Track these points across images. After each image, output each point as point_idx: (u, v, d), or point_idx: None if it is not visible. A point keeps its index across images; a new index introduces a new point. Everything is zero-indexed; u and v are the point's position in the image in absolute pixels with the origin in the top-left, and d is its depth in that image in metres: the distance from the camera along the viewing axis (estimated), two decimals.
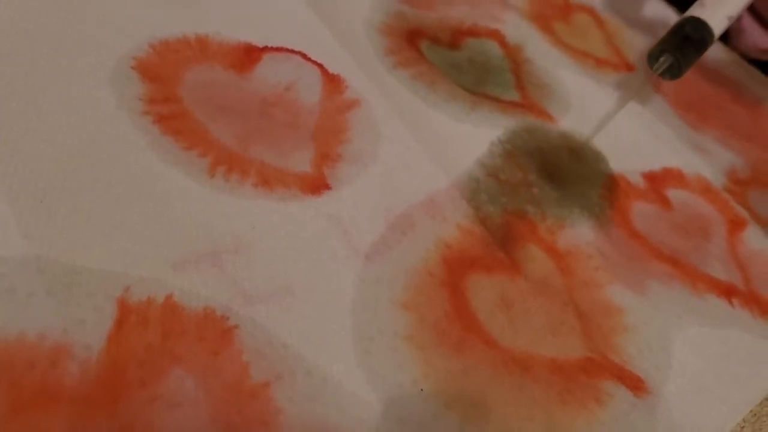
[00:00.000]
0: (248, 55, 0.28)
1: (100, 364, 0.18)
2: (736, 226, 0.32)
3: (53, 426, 0.16)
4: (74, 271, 0.19)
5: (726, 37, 0.43)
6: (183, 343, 0.19)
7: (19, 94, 0.23)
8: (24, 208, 0.20)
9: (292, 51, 0.29)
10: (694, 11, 0.32)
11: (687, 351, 0.26)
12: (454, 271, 0.25)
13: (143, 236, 0.21)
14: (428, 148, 0.28)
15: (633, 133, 0.34)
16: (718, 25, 0.32)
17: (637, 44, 0.41)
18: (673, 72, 0.32)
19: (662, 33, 0.32)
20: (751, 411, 0.25)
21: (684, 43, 0.31)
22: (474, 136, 0.30)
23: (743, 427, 0.24)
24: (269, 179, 0.24)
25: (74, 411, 0.17)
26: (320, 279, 0.22)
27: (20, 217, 0.20)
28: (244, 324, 0.20)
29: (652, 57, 0.32)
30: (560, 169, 0.31)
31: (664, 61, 0.31)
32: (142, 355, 0.18)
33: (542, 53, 0.37)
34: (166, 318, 0.19)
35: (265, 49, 0.28)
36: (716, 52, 0.43)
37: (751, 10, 0.42)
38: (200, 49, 0.28)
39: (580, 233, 0.28)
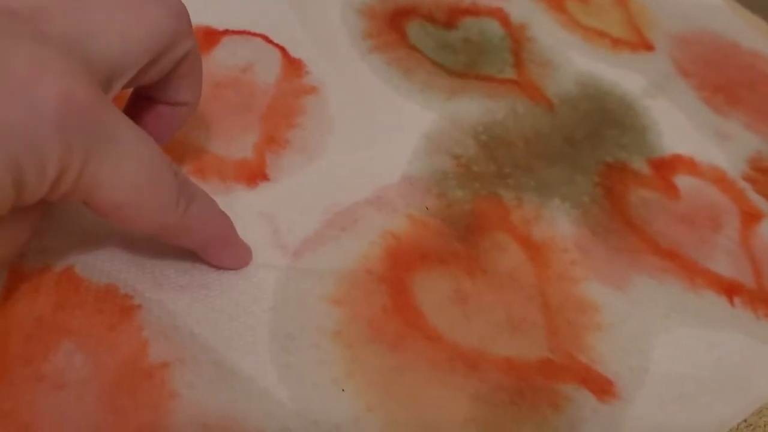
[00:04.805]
0: (206, 38, 0.27)
1: None
2: (751, 217, 0.28)
3: None
4: None
5: None
6: (77, 315, 0.18)
7: None
8: None
9: (254, 34, 0.28)
10: None
11: (669, 353, 0.23)
12: (399, 264, 0.23)
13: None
14: (387, 140, 0.26)
15: (641, 118, 0.31)
16: None
17: (661, 24, 0.37)
18: None
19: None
20: (745, 421, 0.22)
21: None
22: (445, 126, 0.28)
23: None
24: (205, 168, 0.23)
25: None
26: (240, 276, 0.21)
27: None
28: (149, 305, 0.19)
29: None
30: (548, 157, 0.28)
31: None
32: (30, 328, 0.18)
33: (548, 32, 0.34)
34: (61, 288, 0.18)
35: (226, 32, 0.28)
36: (755, 32, 0.39)
37: None
38: None
39: (557, 224, 0.26)
